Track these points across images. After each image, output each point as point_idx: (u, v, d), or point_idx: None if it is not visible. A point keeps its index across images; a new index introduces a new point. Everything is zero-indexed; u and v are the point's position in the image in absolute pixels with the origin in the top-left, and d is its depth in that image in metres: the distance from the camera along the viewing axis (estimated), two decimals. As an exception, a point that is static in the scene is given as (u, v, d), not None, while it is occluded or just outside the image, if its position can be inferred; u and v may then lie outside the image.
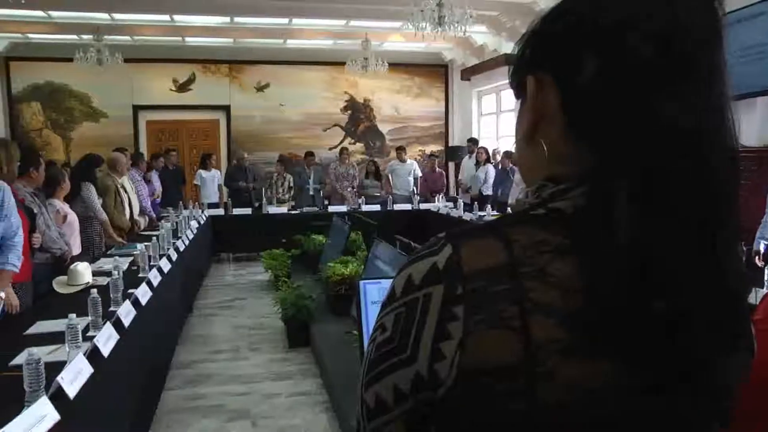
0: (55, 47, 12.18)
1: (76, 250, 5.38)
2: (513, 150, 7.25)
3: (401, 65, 13.36)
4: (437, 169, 12.05)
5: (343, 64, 12.03)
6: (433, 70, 14.35)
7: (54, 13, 10.73)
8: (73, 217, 5.44)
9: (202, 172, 10.92)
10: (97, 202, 6.29)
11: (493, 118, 13.41)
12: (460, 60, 13.81)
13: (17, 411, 2.04)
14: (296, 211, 10.10)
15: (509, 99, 12.31)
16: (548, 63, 0.73)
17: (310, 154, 11.36)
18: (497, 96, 13.05)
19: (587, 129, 0.69)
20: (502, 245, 0.67)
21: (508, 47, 11.41)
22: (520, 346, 0.64)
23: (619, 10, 0.68)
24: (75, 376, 2.45)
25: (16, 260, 3.62)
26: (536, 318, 0.64)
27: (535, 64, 0.75)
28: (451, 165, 13.92)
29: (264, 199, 10.33)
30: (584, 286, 0.65)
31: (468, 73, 13.40)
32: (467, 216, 9.00)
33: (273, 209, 10.14)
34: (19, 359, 2.60)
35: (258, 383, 4.84)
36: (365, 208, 10.00)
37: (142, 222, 7.83)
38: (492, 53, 12.22)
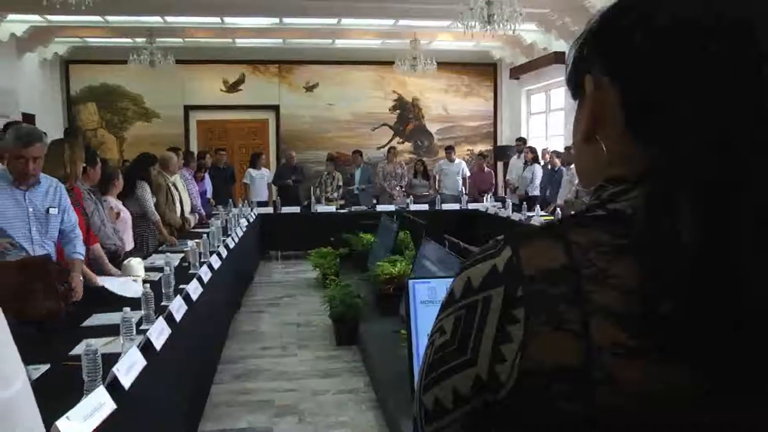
0: (111, 50, 12.60)
1: (129, 245, 5.52)
2: (562, 150, 7.16)
3: (450, 64, 13.31)
4: (486, 168, 11.98)
5: (391, 63, 12.07)
6: (481, 69, 14.27)
7: (110, 18, 11.06)
8: (126, 214, 5.58)
9: (252, 170, 11.08)
10: (151, 201, 6.43)
11: (542, 117, 13.27)
12: (509, 58, 13.70)
13: (77, 398, 2.11)
14: (345, 210, 10.17)
15: (559, 98, 12.16)
16: (608, 62, 0.72)
17: (357, 154, 11.44)
18: (546, 95, 12.91)
19: (648, 129, 0.68)
20: (562, 247, 0.67)
21: (559, 45, 11.26)
22: (580, 349, 0.63)
23: (683, 8, 0.67)
24: (129, 368, 2.51)
25: (81, 249, 3.79)
26: (597, 320, 0.64)
27: (594, 62, 0.74)
28: (500, 164, 13.82)
29: (313, 198, 10.42)
30: (645, 288, 0.63)
31: (517, 72, 13.30)
32: (516, 216, 8.92)
33: (321, 208, 10.22)
34: (77, 350, 2.68)
35: (306, 380, 4.89)
36: (413, 207, 9.98)
37: (193, 219, 7.98)
38: (542, 51, 12.08)
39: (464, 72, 14.14)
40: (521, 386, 0.65)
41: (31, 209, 3.56)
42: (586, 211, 0.72)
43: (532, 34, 11.99)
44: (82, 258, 3.79)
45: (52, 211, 3.65)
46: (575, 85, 0.77)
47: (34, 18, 10.96)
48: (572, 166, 8.78)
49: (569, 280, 0.65)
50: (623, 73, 0.70)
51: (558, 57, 11.22)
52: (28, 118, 10.35)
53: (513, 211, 9.26)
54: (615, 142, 0.72)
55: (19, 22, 10.99)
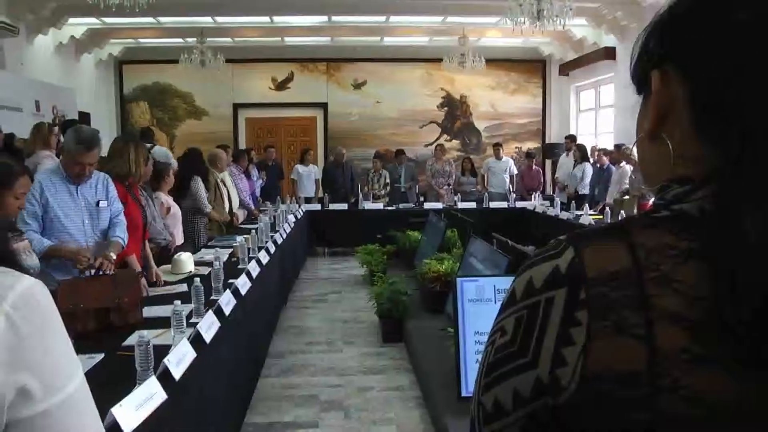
0: (162, 50, 12.90)
1: (179, 240, 5.63)
2: (611, 148, 7.01)
3: (498, 61, 13.21)
4: (534, 166, 11.85)
5: (439, 60, 12.04)
6: (530, 66, 14.13)
7: (162, 19, 11.34)
8: (176, 209, 5.69)
9: (300, 167, 11.20)
10: (205, 195, 6.56)
11: (592, 114, 13.06)
12: (558, 54, 13.52)
13: (130, 387, 2.17)
14: (392, 208, 10.19)
15: (608, 94, 11.94)
16: (678, 57, 0.69)
17: (400, 152, 11.43)
18: (596, 91, 12.69)
19: (718, 129, 0.65)
20: (626, 249, 0.65)
21: (609, 40, 11.08)
22: (644, 355, 0.62)
23: (764, 3, 0.64)
24: (180, 359, 2.56)
25: (122, 234, 3.89)
26: (662, 325, 0.62)
27: (662, 57, 0.71)
28: (548, 162, 13.66)
29: (360, 195, 10.46)
30: (714, 293, 0.61)
31: (566, 68, 13.13)
32: (564, 215, 8.81)
33: (369, 205, 10.26)
34: (130, 340, 2.75)
35: (352, 376, 4.91)
36: (461, 205, 9.93)
37: (242, 215, 8.09)
38: (592, 47, 11.90)
39: (513, 69, 14.02)
40: (583, 391, 0.64)
41: (83, 203, 3.76)
42: (650, 211, 0.70)
43: (582, 29, 11.82)
44: (122, 243, 3.89)
45: (102, 204, 3.83)
46: (640, 81, 0.75)
47: (92, 21, 11.34)
48: (622, 164, 8.63)
49: (634, 283, 0.64)
50: (695, 70, 0.67)
51: (608, 52, 11.04)
52: (84, 116, 10.69)
53: (561, 209, 9.15)
54: (681, 141, 0.69)
55: (78, 25, 11.39)
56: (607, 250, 0.66)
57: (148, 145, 8.95)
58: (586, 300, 0.64)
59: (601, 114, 12.59)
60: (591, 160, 10.42)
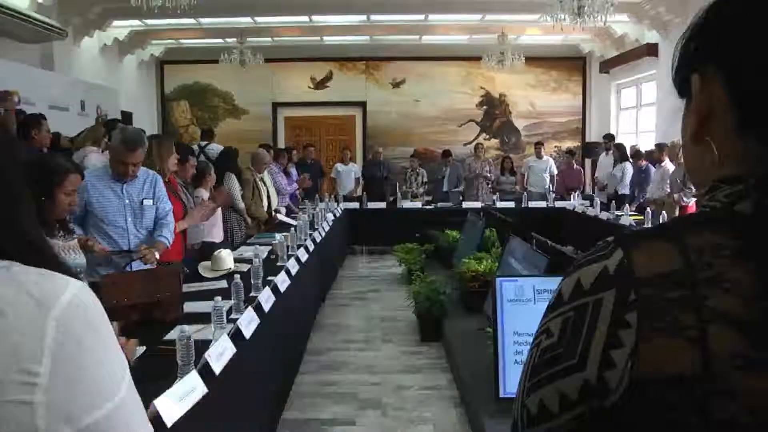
0: (203, 51, 13.10)
1: (219, 238, 5.70)
2: (653, 147, 6.87)
3: (538, 59, 13.08)
4: (574, 166, 11.72)
5: (478, 59, 11.99)
6: (570, 63, 13.96)
7: (203, 20, 11.54)
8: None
9: (339, 165, 11.27)
10: (238, 192, 6.64)
11: (633, 113, 12.84)
12: (599, 51, 13.32)
13: (171, 381, 2.21)
14: (430, 207, 10.19)
15: (650, 92, 11.72)
16: (719, 58, 0.68)
17: (447, 153, 11.39)
18: (637, 89, 12.48)
19: (765, 127, 0.65)
20: (677, 249, 0.64)
21: (651, 36, 10.86)
22: (696, 358, 0.60)
23: None
24: (220, 354, 2.60)
25: (168, 235, 3.98)
26: (715, 328, 0.61)
27: (704, 59, 0.70)
28: (588, 162, 13.48)
29: (399, 194, 10.47)
30: None
31: (607, 66, 12.92)
32: (604, 215, 8.69)
33: (407, 204, 10.27)
34: (171, 335, 2.80)
35: (389, 374, 4.92)
36: (500, 204, 9.89)
37: (282, 209, 8.16)
38: (633, 43, 11.69)
39: (552, 66, 13.87)
40: (631, 394, 0.63)
41: (127, 201, 3.86)
42: (700, 211, 0.70)
43: (623, 25, 11.61)
44: (167, 244, 3.98)
45: (146, 202, 3.92)
46: (681, 83, 0.73)
47: (135, 23, 11.60)
48: (663, 163, 8.46)
49: (685, 285, 0.63)
50: (739, 71, 0.66)
51: (651, 49, 10.82)
52: (126, 115, 10.93)
53: (601, 210, 9.02)
54: (726, 141, 0.68)
55: (121, 28, 11.66)
56: (657, 250, 0.65)
57: (203, 143, 9.26)
58: (636, 301, 0.64)
59: (642, 112, 12.37)
60: (631, 160, 10.26)
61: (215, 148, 8.82)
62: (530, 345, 0.72)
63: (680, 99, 0.75)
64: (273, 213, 7.64)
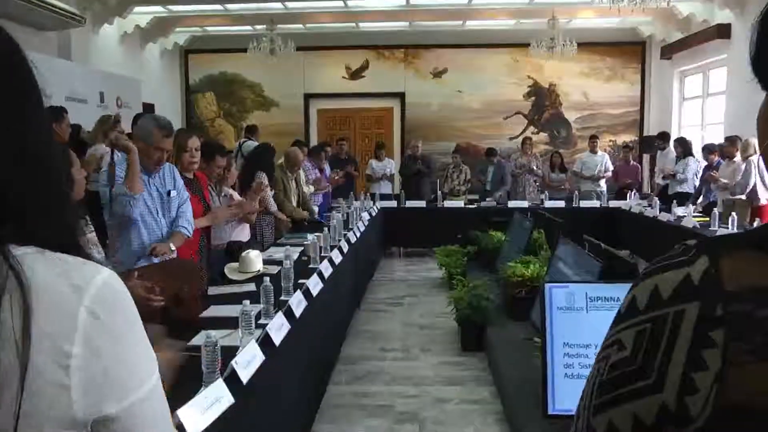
0: (230, 39, 13.22)
1: (245, 237, 5.75)
2: (723, 140, 6.69)
3: (591, 45, 12.94)
4: (631, 162, 11.56)
5: (526, 45, 11.87)
6: (627, 49, 13.75)
7: (230, 6, 11.61)
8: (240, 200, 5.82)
9: (374, 162, 11.28)
10: (269, 193, 6.69)
11: (698, 103, 12.57)
12: (661, 35, 13.05)
13: (196, 389, 2.23)
14: (473, 206, 10.16)
15: (719, 79, 11.44)
16: None
17: (491, 151, 11.31)
18: (704, 76, 12.20)
19: None
20: None
21: (723, 16, 10.52)
22: None
23: None
24: (248, 362, 2.62)
25: (187, 225, 4.08)
26: None
27: None
28: (645, 158, 13.27)
29: (439, 192, 10.45)
30: None
31: (669, 51, 12.64)
32: (663, 216, 8.54)
33: (448, 203, 10.26)
34: (197, 340, 2.83)
35: (428, 386, 4.91)
36: (548, 204, 9.82)
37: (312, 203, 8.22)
38: (701, 25, 11.36)
39: (608, 52, 13.67)
40: (716, 423, 0.60)
41: (155, 193, 3.96)
42: None
43: (689, 4, 11.33)
44: (188, 234, 4.08)
45: (173, 193, 4.04)
46: (763, 70, 0.69)
47: (157, 9, 11.73)
48: (735, 159, 8.30)
49: None
50: None
51: (721, 30, 10.42)
52: (149, 107, 11.07)
53: (661, 210, 8.87)
54: None
55: (143, 14, 11.79)
56: (751, 261, 0.62)
57: (243, 140, 9.43)
58: (723, 317, 0.61)
59: (709, 102, 12.12)
60: (695, 155, 10.07)
61: (250, 146, 8.89)
62: (596, 357, 0.70)
63: (760, 85, 0.70)
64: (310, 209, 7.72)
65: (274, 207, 6.77)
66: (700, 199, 9.30)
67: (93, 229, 3.45)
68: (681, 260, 0.65)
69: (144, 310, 0.79)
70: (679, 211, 8.45)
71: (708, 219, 7.62)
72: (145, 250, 3.84)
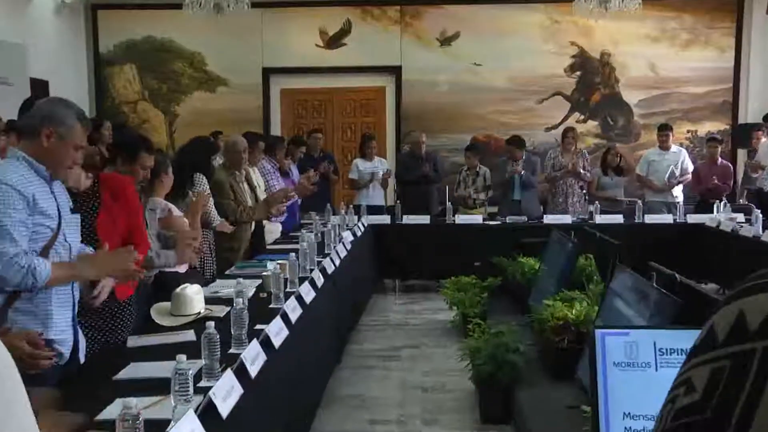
0: (159, -9, 13.16)
1: (183, 267, 5.71)
2: None
3: (661, -1, 13.05)
4: (720, 160, 11.57)
5: (569, 0, 11.92)
6: (714, 4, 13.81)
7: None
8: (181, 221, 5.78)
9: (360, 161, 11.29)
10: (211, 201, 6.65)
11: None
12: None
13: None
14: (496, 222, 10.19)
15: None
16: None
17: (515, 142, 11.27)
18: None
19: None
20: None
21: None
22: None
23: None
24: (183, 441, 2.60)
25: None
26: None
27: None
28: (741, 154, 13.31)
29: (448, 203, 10.46)
30: None
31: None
32: (767, 236, 8.52)
33: (462, 218, 10.30)
34: (108, 413, 2.80)
35: (436, 473, 4.92)
36: (600, 219, 9.87)
37: (274, 230, 8.20)
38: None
39: (685, 9, 13.75)
40: None
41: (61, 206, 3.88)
42: None
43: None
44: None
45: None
46: None
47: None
48: None
49: None
50: None
51: None
52: (40, 84, 10.91)
53: (764, 227, 8.86)
54: None
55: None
56: None
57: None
58: None
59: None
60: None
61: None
62: (664, 401, 0.71)
63: None
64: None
65: (217, 220, 6.72)
66: None
67: None
68: None
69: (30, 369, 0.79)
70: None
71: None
72: None
